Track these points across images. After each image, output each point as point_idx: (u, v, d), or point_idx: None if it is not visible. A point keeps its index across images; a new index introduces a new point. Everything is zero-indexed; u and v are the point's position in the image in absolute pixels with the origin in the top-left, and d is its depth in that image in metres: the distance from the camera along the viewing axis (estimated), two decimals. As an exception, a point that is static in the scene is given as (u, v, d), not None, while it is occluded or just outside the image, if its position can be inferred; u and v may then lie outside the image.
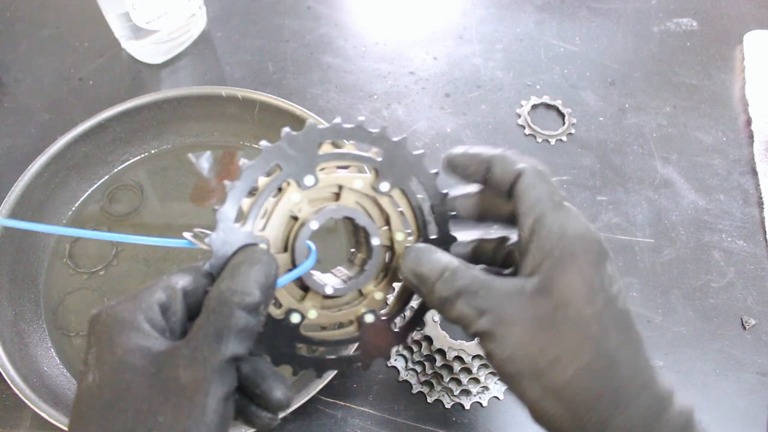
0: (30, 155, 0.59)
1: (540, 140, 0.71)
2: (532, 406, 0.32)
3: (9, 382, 0.47)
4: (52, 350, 0.55)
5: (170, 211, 0.64)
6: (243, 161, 0.35)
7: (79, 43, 0.79)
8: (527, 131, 0.72)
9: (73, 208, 0.63)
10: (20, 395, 0.47)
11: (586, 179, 0.68)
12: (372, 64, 0.78)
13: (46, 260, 0.60)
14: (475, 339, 0.34)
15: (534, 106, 0.74)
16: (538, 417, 0.33)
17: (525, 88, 0.76)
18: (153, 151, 0.67)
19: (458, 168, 0.39)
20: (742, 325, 0.59)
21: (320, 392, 0.48)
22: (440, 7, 0.85)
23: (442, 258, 0.35)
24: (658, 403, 0.32)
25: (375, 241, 0.38)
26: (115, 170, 0.66)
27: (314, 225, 0.36)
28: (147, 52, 0.75)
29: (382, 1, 0.85)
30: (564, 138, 0.71)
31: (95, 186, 0.65)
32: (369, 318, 0.39)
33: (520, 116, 0.73)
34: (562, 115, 0.73)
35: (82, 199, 0.64)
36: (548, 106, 0.74)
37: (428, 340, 0.54)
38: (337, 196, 0.38)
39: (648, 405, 0.31)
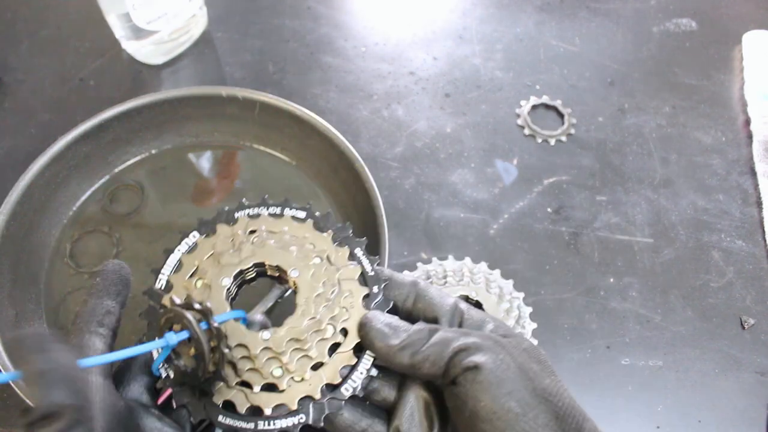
0: (31, 155, 0.59)
1: (540, 140, 0.71)
2: (521, 415, 0.32)
3: (9, 381, 0.47)
4: (53, 350, 0.55)
5: (171, 211, 0.64)
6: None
7: (79, 44, 0.79)
8: (527, 131, 0.72)
9: (74, 208, 0.63)
10: (20, 395, 0.47)
11: (585, 179, 0.68)
12: (372, 64, 0.78)
13: (48, 260, 0.60)
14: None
15: (534, 107, 0.74)
16: (526, 429, 0.32)
17: (524, 88, 0.76)
18: (153, 151, 0.67)
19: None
20: (741, 324, 0.59)
21: (320, 391, 0.48)
22: (440, 7, 0.85)
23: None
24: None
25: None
26: (116, 170, 0.66)
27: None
28: (147, 52, 0.75)
29: (382, 1, 0.86)
30: (563, 138, 0.71)
31: (96, 186, 0.65)
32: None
33: (519, 116, 0.73)
34: (562, 116, 0.73)
35: (82, 199, 0.64)
36: (548, 107, 0.74)
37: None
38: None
39: (591, 420, 0.34)
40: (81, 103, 0.73)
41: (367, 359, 0.37)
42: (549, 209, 0.66)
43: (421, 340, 0.35)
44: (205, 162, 0.67)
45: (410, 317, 0.39)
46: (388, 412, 0.38)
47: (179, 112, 0.66)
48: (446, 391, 0.35)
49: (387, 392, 0.38)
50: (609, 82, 0.77)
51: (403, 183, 0.67)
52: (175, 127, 0.67)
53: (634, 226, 0.65)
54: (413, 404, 0.37)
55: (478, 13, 0.84)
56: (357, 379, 0.36)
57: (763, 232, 0.65)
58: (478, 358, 0.33)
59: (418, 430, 0.36)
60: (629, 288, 0.61)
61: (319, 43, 0.80)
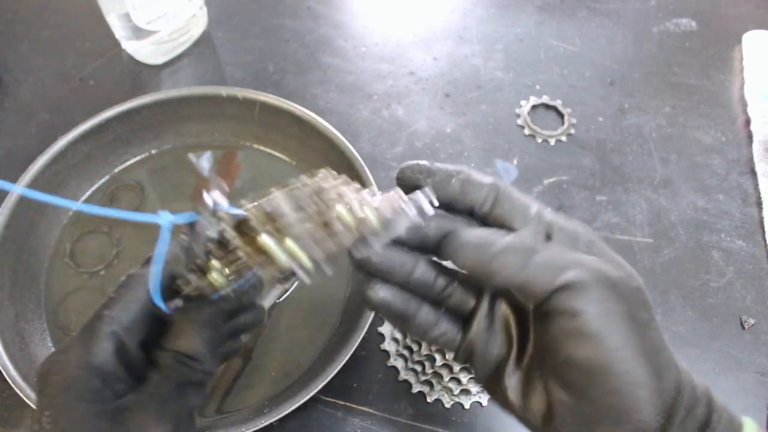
0: (31, 155, 0.59)
1: (540, 140, 0.71)
2: (620, 373, 0.29)
3: (10, 381, 0.47)
4: (53, 350, 0.55)
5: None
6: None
7: (79, 44, 0.79)
8: (527, 131, 0.72)
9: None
10: (21, 395, 0.47)
11: (585, 179, 0.68)
12: (372, 64, 0.78)
13: (47, 260, 0.60)
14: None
15: (534, 107, 0.74)
16: (618, 389, 0.29)
17: (525, 88, 0.76)
18: (153, 151, 0.67)
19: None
20: (741, 324, 0.59)
21: (320, 392, 0.48)
22: (440, 7, 0.85)
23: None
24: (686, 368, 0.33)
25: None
26: (116, 170, 0.66)
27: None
28: (147, 52, 0.75)
29: (382, 1, 0.86)
30: (563, 138, 0.71)
31: (96, 186, 0.65)
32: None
33: (519, 116, 0.73)
34: (562, 116, 0.73)
35: (82, 199, 0.64)
36: (548, 107, 0.74)
37: (428, 339, 0.54)
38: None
39: (686, 369, 0.33)
40: (81, 103, 0.73)
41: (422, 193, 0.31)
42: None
43: (523, 256, 0.30)
44: (205, 162, 0.67)
45: (485, 224, 0.34)
46: (464, 320, 0.34)
47: (179, 112, 0.66)
48: (535, 320, 0.31)
49: (461, 296, 0.34)
50: (609, 82, 0.77)
51: (403, 183, 0.67)
52: (175, 127, 0.67)
53: (634, 226, 0.65)
54: (491, 320, 0.33)
55: (478, 13, 0.84)
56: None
57: (763, 232, 0.65)
58: (581, 304, 0.29)
59: (497, 351, 0.33)
60: (629, 288, 0.61)
61: (319, 43, 0.80)
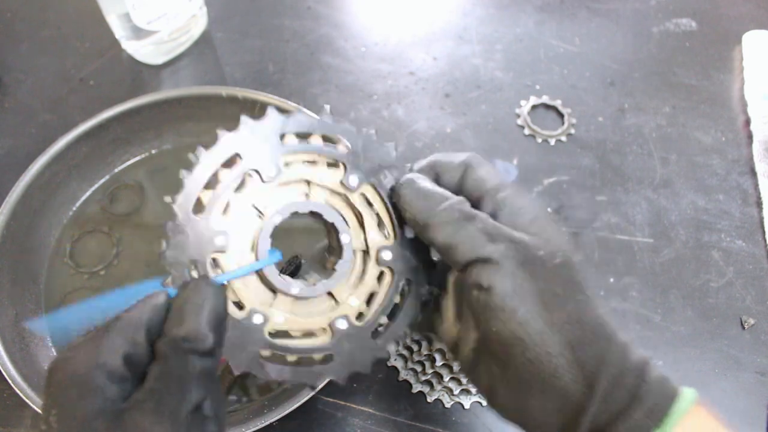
0: (31, 155, 0.59)
1: (540, 140, 0.71)
2: (531, 344, 0.32)
3: (10, 381, 0.48)
4: (53, 350, 0.55)
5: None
6: (199, 149, 0.35)
7: (79, 44, 0.79)
8: (527, 131, 0.72)
9: (74, 208, 0.63)
10: (21, 395, 0.47)
11: (585, 179, 0.68)
12: (372, 64, 0.78)
13: (48, 260, 0.60)
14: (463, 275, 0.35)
15: (534, 107, 0.74)
16: (534, 358, 0.32)
17: (524, 88, 0.76)
18: (153, 151, 0.67)
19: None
20: (741, 324, 0.59)
21: (320, 392, 0.48)
22: (440, 7, 0.85)
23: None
24: (628, 341, 0.34)
25: (345, 239, 0.36)
26: (116, 170, 0.66)
27: (277, 219, 0.35)
28: (147, 52, 0.75)
29: (382, 1, 0.86)
30: (563, 138, 0.71)
31: (96, 186, 0.65)
32: (341, 324, 0.36)
33: (519, 116, 0.73)
34: (562, 116, 0.73)
35: (82, 199, 0.64)
36: (548, 107, 0.74)
37: (428, 339, 0.54)
38: (306, 195, 0.37)
39: (623, 342, 0.33)
40: (81, 103, 0.73)
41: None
42: (549, 209, 0.66)
43: (459, 221, 0.34)
44: (205, 162, 0.67)
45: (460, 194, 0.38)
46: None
47: (179, 112, 0.66)
48: (463, 291, 0.36)
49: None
50: (609, 82, 0.77)
51: (403, 183, 0.67)
52: (175, 127, 0.67)
53: (634, 226, 0.65)
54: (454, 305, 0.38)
55: (478, 13, 0.84)
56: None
57: (763, 232, 0.65)
58: (492, 279, 0.32)
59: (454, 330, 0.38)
60: (629, 288, 0.61)
61: (319, 43, 0.80)
